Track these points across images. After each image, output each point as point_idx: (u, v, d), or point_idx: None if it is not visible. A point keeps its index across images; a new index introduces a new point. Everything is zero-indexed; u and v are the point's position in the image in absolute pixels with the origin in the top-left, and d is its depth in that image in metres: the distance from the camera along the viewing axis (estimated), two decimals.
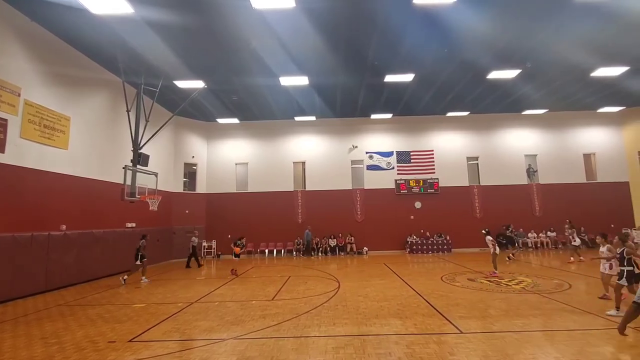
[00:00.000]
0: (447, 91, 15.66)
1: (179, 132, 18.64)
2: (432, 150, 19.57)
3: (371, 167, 19.57)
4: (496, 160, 19.60)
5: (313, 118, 18.97)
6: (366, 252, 18.46)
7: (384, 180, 19.40)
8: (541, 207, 19.07)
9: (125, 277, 11.14)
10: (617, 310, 6.53)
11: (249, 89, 14.79)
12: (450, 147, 19.71)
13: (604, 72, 13.74)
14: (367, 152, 19.68)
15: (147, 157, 13.76)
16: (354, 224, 18.97)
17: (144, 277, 11.45)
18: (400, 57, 12.12)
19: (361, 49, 11.64)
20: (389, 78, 13.71)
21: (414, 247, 18.09)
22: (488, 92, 15.75)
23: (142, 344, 5.60)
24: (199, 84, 13.76)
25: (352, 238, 18.58)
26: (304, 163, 19.93)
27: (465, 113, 18.86)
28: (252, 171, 19.79)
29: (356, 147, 19.67)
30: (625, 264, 6.47)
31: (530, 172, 19.61)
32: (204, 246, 18.50)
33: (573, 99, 17.14)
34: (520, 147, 19.79)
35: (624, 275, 6.41)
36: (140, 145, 13.56)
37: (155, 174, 14.10)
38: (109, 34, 10.30)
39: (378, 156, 19.62)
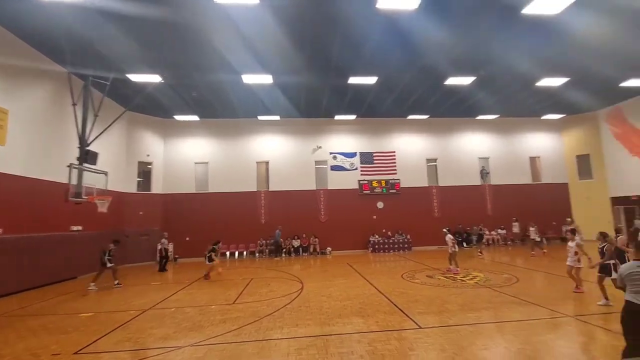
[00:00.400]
0: (408, 95, 16.20)
1: (133, 128, 17.52)
2: (394, 152, 20.16)
3: (335, 168, 19.73)
4: (453, 162, 20.62)
5: (277, 117, 18.75)
6: (330, 252, 18.57)
7: (348, 181, 19.65)
8: (493, 206, 20.35)
9: (92, 284, 10.50)
10: (607, 300, 6.96)
11: (210, 85, 14.26)
12: (411, 149, 20.42)
13: (547, 82, 14.94)
14: (331, 153, 19.81)
15: (95, 154, 12.82)
16: (317, 224, 19.01)
17: (92, 284, 10.56)
18: (363, 60, 12.33)
19: (325, 50, 11.69)
20: (353, 80, 13.90)
21: (376, 246, 18.50)
22: (446, 97, 16.52)
23: (90, 356, 5.19)
24: (155, 78, 12.99)
25: (317, 240, 18.58)
26: (267, 163, 19.62)
27: (426, 116, 19.65)
28: (213, 171, 19.12)
29: (320, 147, 19.73)
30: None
31: (484, 173, 20.86)
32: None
33: (521, 106, 18.48)
34: (474, 150, 20.99)
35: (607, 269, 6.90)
36: (88, 142, 12.59)
37: (105, 173, 13.19)
38: (54, 20, 9.43)
39: (342, 157, 19.83)
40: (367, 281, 10.50)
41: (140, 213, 17.29)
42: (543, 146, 21.57)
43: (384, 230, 19.21)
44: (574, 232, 8.56)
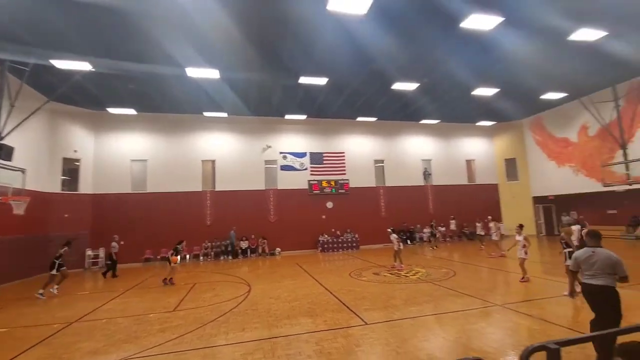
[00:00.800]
0: (357, 97, 16.62)
1: (57, 121, 15.59)
2: (343, 153, 20.57)
3: (285, 168, 19.57)
4: (399, 163, 21.62)
5: (225, 114, 18.03)
6: (279, 252, 18.35)
7: (298, 181, 19.61)
8: (434, 205, 21.71)
9: (41, 291, 9.69)
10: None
11: (151, 76, 13.19)
12: (359, 150, 21.00)
13: (481, 91, 16.32)
14: (281, 152, 19.60)
15: (10, 149, 11.23)
16: (267, 224, 18.67)
17: (53, 288, 10.00)
18: (314, 61, 12.36)
19: (276, 48, 11.50)
20: (304, 80, 13.88)
21: (326, 245, 18.70)
22: (393, 101, 17.24)
23: None
24: (84, 65, 11.62)
25: (265, 241, 18.22)
26: (214, 162, 18.79)
27: (374, 119, 20.33)
28: (152, 169, 17.77)
29: (270, 147, 19.41)
30: (567, 247, 7.69)
31: (426, 174, 22.19)
32: (89, 255, 15.94)
33: (459, 112, 19.97)
34: (418, 152, 22.24)
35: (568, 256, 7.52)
36: (2, 135, 10.98)
37: (22, 171, 11.60)
38: None
39: (292, 157, 19.73)
40: (316, 281, 10.53)
41: (66, 215, 15.48)
42: (477, 150, 23.57)
43: (333, 230, 19.51)
44: (521, 227, 9.59)
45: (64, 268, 10.14)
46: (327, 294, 8.64)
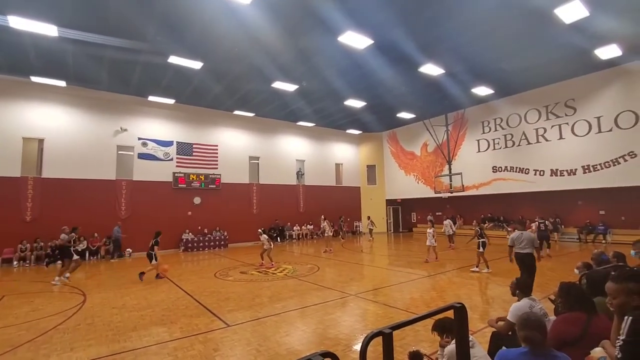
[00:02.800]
0: (235, 90, 15.88)
1: None
2: (217, 146, 19.34)
3: (144, 156, 16.97)
4: (274, 161, 21.76)
5: (62, 83, 14.37)
6: (130, 254, 15.72)
7: (160, 172, 17.33)
8: (305, 204, 22.74)
9: (57, 278, 9.69)
10: (486, 269, 9.71)
11: None
12: (234, 144, 20.15)
13: (352, 102, 17.98)
14: (140, 139, 16.89)
15: None
16: (115, 221, 15.66)
17: (65, 275, 9.82)
18: (188, 41, 11.11)
19: (138, 16, 9.78)
20: (175, 60, 12.32)
21: (190, 244, 17.18)
22: (272, 98, 17.17)
23: None
24: None
25: (111, 241, 15.35)
26: (41, 141, 14.71)
27: (252, 114, 19.85)
28: None
29: (126, 130, 16.46)
30: (480, 237, 10.01)
31: (299, 174, 23.07)
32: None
33: (332, 118, 21.53)
34: (293, 152, 22.90)
35: (481, 245, 9.86)
36: None
37: None
38: None
39: (154, 144, 17.28)
40: (173, 284, 9.42)
41: None
42: (345, 155, 25.97)
43: (199, 227, 18.07)
44: (432, 222, 12.66)
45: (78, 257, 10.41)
46: (187, 298, 7.82)
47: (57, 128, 14.93)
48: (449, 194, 20.92)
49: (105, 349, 4.94)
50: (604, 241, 15.66)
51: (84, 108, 15.61)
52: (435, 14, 10.08)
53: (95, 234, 15.16)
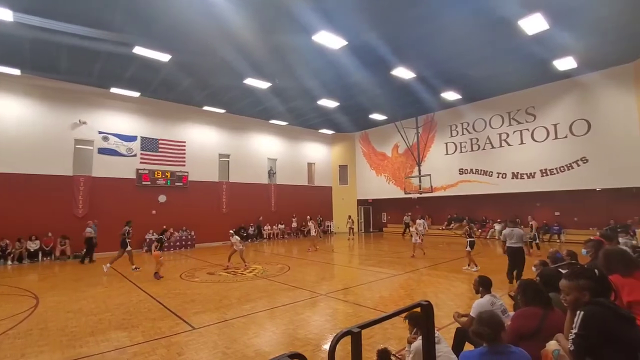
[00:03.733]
0: (206, 84, 15.38)
1: None
2: (184, 142, 18.63)
3: (105, 151, 15.97)
4: (245, 159, 21.30)
5: (17, 71, 13.26)
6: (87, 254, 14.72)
7: (123, 169, 16.40)
8: (276, 203, 22.49)
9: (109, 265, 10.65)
10: (475, 267, 10.14)
11: None
12: (204, 141, 19.52)
13: (325, 102, 17.99)
14: (100, 132, 15.90)
15: None
16: (72, 220, 14.69)
17: (108, 264, 10.76)
18: (155, 32, 10.61)
19: (101, 3, 9.20)
20: (140, 51, 11.73)
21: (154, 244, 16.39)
22: (244, 95, 16.79)
23: None
24: None
25: (67, 240, 14.34)
26: None
27: (222, 111, 19.33)
28: None
29: (85, 123, 15.40)
30: (470, 237, 10.41)
31: (271, 173, 22.78)
32: None
33: (305, 118, 21.45)
34: (265, 151, 22.55)
35: (469, 245, 10.27)
36: None
37: None
38: None
39: (116, 139, 16.32)
40: (135, 286, 8.98)
41: None
42: (318, 155, 25.97)
43: (164, 227, 17.19)
44: (414, 220, 13.47)
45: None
46: (150, 301, 7.47)
47: (8, 119, 13.74)
48: (419, 195, 21.51)
49: (60, 356, 4.66)
50: (558, 240, 16.76)
51: (40, 98, 14.46)
52: (408, 19, 10.31)
53: (49, 234, 14.12)
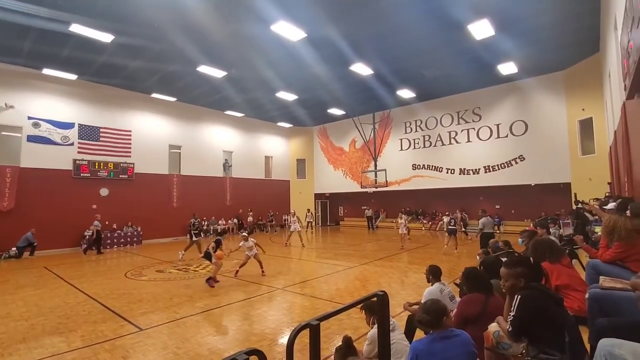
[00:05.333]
0: (155, 70, 14.34)
1: None
2: (130, 131, 17.26)
3: (36, 139, 14.24)
4: (199, 151, 20.34)
5: None
6: (15, 253, 13.21)
7: (57, 159, 14.76)
8: (232, 197, 21.85)
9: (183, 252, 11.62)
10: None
11: None
12: (152, 131, 18.25)
13: (283, 95, 17.71)
14: (30, 118, 14.18)
15: None
16: None
17: (182, 252, 11.53)
18: (96, 9, 9.64)
19: None
20: (77, 29, 10.60)
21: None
22: (198, 83, 15.97)
23: None
24: None
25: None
26: None
27: (173, 99, 18.23)
28: None
29: (11, 107, 13.61)
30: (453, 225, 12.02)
31: (226, 166, 22.03)
32: None
33: (263, 110, 20.97)
34: (220, 143, 21.70)
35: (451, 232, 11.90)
36: None
37: None
38: None
39: (49, 126, 14.60)
40: (73, 287, 8.22)
41: None
42: (275, 148, 25.60)
43: (107, 222, 15.87)
44: (401, 216, 14.02)
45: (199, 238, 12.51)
46: (90, 302, 6.89)
47: None
48: (374, 189, 22.17)
49: None
50: (498, 231, 18.27)
51: None
52: (366, 16, 10.44)
53: None
